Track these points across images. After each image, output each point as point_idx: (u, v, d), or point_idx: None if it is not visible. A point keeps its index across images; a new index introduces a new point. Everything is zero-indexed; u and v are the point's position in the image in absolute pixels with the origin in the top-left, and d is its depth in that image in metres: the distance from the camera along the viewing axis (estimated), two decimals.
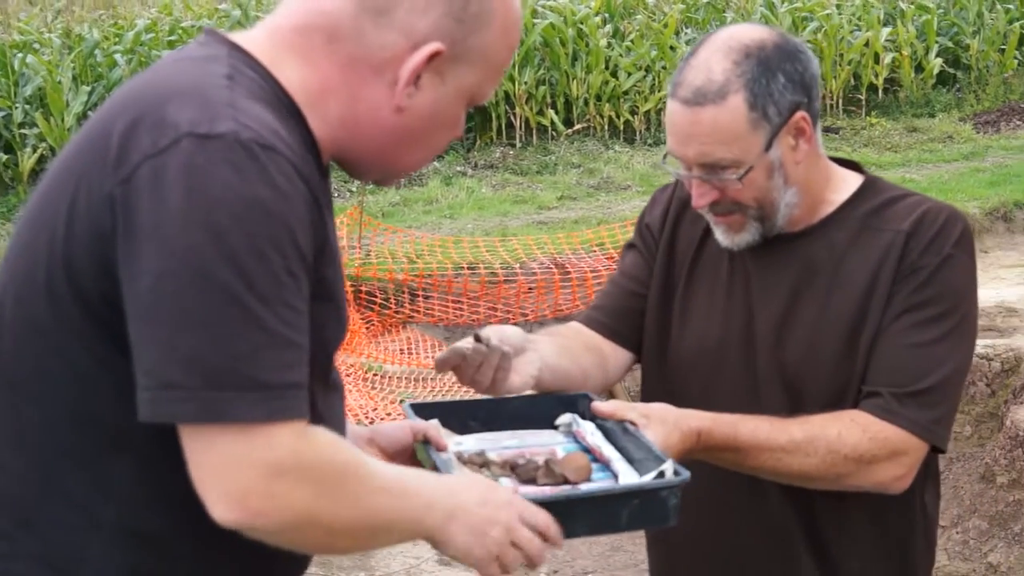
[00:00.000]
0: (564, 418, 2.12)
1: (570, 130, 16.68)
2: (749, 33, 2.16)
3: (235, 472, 1.47)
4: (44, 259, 1.57)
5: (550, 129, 16.61)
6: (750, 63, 2.10)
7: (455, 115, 1.74)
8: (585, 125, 16.80)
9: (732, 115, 2.09)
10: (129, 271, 1.49)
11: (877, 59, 18.14)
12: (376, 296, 9.31)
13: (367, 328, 8.95)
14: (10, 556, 1.61)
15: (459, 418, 2.12)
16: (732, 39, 2.14)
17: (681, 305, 2.35)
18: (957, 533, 5.30)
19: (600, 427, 2.06)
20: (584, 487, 1.85)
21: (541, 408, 2.17)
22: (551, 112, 16.54)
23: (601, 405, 2.10)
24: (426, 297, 9.47)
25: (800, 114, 2.15)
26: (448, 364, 2.08)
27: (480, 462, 1.93)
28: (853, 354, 2.19)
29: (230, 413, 1.46)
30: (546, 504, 1.72)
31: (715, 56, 2.11)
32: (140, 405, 1.48)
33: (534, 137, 16.48)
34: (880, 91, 18.33)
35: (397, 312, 9.32)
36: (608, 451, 1.96)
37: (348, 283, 8.60)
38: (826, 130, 17.08)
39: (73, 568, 1.60)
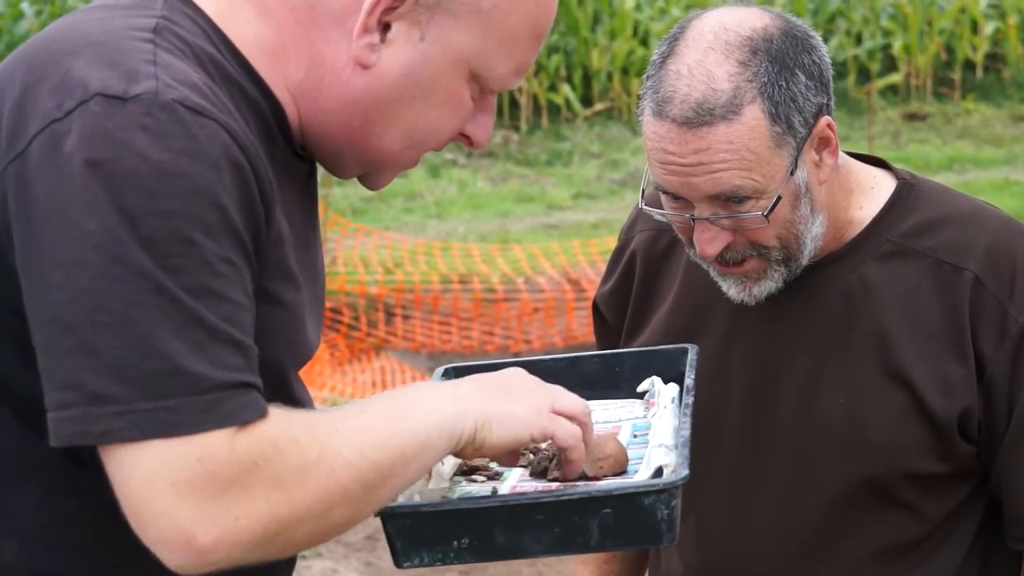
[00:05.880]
0: (645, 383, 2.04)
1: (589, 111, 16.74)
2: (746, 21, 2.10)
3: (164, 502, 1.47)
4: None
5: (564, 109, 16.67)
6: (760, 62, 2.05)
7: (448, 89, 1.71)
8: (607, 105, 16.85)
9: (751, 131, 2.04)
10: (31, 264, 1.50)
11: (976, 28, 18.19)
12: (343, 314, 9.34)
13: (331, 354, 8.97)
14: None
15: None
16: (726, 31, 2.08)
17: None
18: None
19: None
20: (585, 486, 1.75)
21: (627, 368, 2.09)
22: (566, 88, 16.59)
23: None
24: (406, 317, 9.51)
25: (825, 119, 2.12)
26: None
27: None
28: (925, 421, 2.20)
29: (173, 424, 1.46)
30: (471, 513, 1.66)
31: (711, 57, 2.06)
32: (57, 424, 1.49)
33: (544, 119, 16.53)
34: (979, 69, 18.39)
35: (369, 335, 9.35)
36: (662, 432, 1.85)
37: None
38: (911, 117, 17.15)
39: None
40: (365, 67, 1.67)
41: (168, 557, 1.49)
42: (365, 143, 1.73)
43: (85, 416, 1.47)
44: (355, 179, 1.82)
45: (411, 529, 1.67)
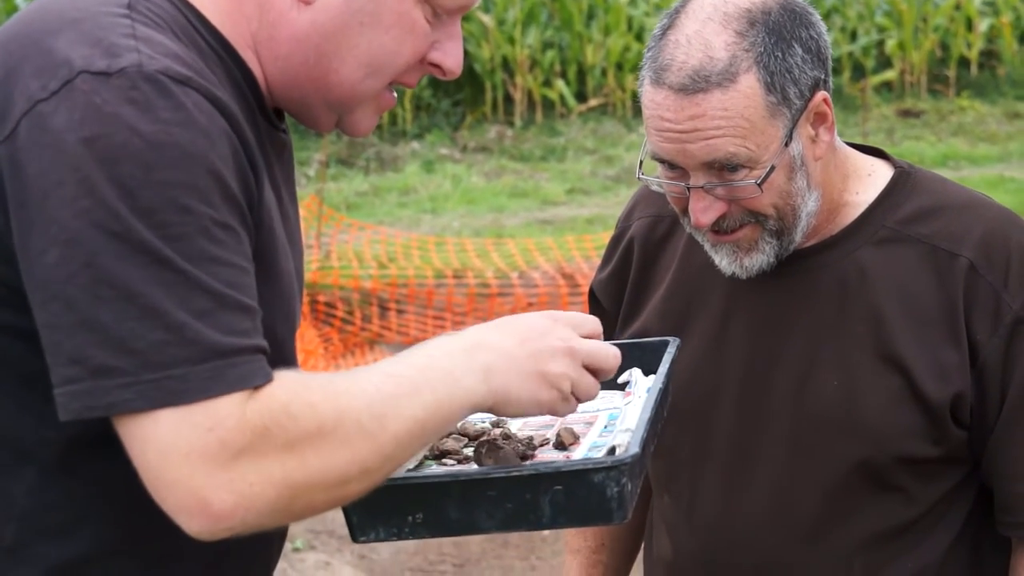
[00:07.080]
0: (625, 375, 2.05)
1: (583, 106, 16.76)
2: None
3: (179, 471, 1.49)
4: None
5: (558, 104, 16.69)
6: (758, 32, 2.09)
7: (396, 10, 1.73)
8: (602, 100, 16.88)
9: (746, 99, 2.08)
10: (28, 245, 1.52)
11: (970, 25, 18.23)
12: (337, 308, 9.35)
13: (326, 348, 8.98)
14: None
15: None
16: (725, 3, 2.12)
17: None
18: None
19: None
20: (534, 463, 1.79)
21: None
22: (560, 83, 16.61)
23: None
24: (400, 311, 9.52)
25: (821, 94, 2.16)
26: None
27: (474, 434, 1.95)
28: (919, 405, 2.22)
29: (181, 392, 1.48)
30: (425, 487, 1.70)
31: (709, 27, 2.10)
32: (65, 400, 1.51)
33: (538, 114, 16.55)
34: (974, 66, 18.43)
35: (363, 329, 9.36)
36: (630, 418, 1.88)
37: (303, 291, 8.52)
38: (905, 114, 17.19)
39: None
40: (307, 2, 1.71)
41: (187, 524, 1.52)
42: (325, 80, 1.74)
43: (92, 390, 1.49)
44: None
45: (366, 503, 1.68)
